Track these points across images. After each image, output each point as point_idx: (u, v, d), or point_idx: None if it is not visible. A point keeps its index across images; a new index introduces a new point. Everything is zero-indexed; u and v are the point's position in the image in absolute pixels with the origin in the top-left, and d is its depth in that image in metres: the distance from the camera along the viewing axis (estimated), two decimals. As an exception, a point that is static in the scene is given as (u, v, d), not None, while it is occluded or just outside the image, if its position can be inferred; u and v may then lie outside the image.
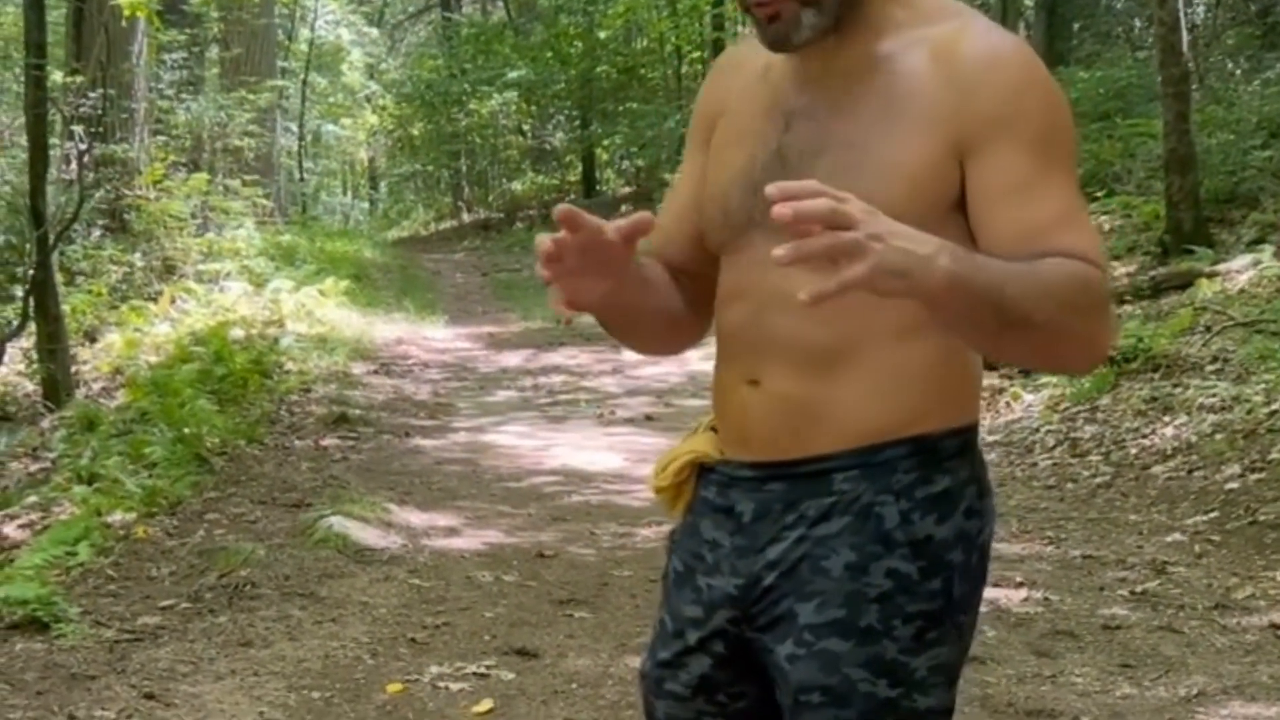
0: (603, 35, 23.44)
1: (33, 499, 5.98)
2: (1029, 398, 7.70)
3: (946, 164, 1.63)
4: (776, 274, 1.59)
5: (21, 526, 5.71)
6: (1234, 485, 5.81)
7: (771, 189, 1.43)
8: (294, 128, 23.45)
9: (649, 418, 8.33)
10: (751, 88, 1.78)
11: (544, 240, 1.62)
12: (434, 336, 11.91)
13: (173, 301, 11.05)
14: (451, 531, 5.79)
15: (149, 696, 3.86)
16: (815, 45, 1.69)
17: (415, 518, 5.95)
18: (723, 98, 1.85)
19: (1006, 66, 1.64)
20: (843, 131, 1.68)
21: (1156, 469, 6.27)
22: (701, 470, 1.83)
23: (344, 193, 31.49)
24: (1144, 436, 6.66)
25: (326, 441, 7.43)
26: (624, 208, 21.79)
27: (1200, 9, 15.12)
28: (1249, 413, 6.40)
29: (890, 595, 1.67)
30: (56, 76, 10.72)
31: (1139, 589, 4.83)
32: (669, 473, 1.85)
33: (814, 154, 1.68)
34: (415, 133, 26.16)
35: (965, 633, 1.73)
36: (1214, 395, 6.74)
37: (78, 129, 10.71)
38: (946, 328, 1.58)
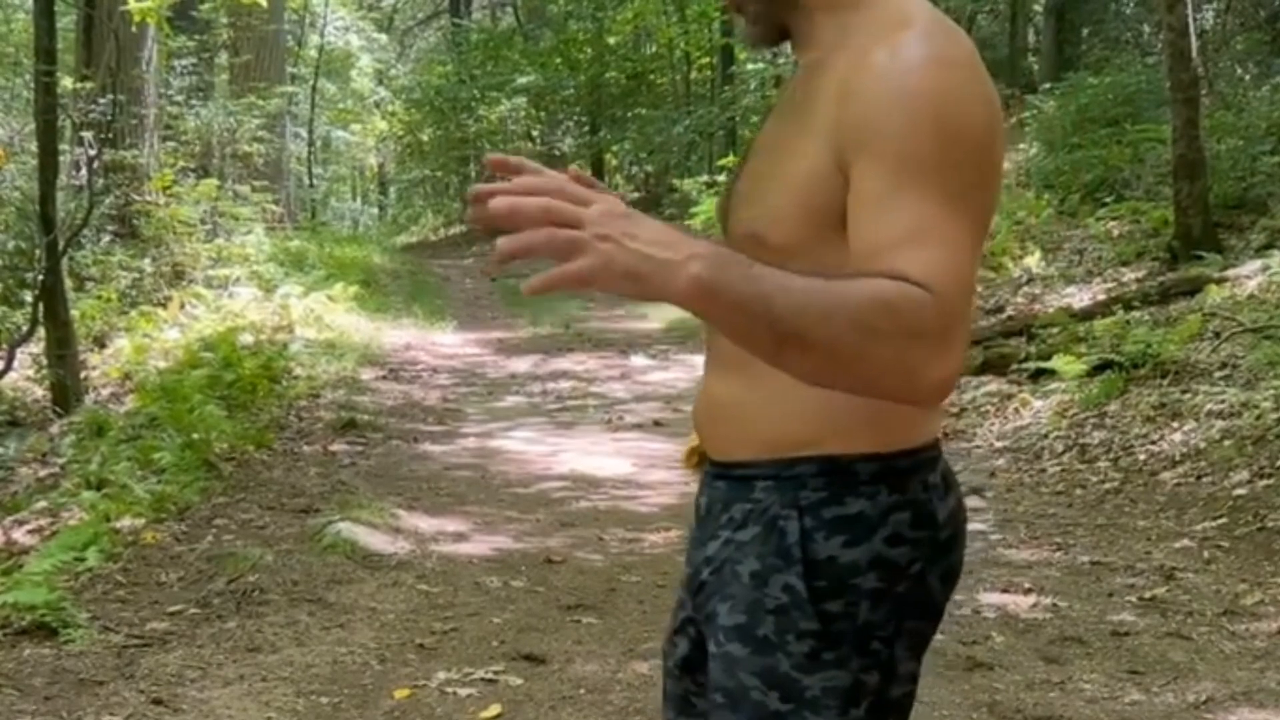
0: (612, 41, 23.48)
1: (42, 504, 5.99)
2: (1038, 404, 7.69)
3: (832, 175, 1.56)
4: None
5: (30, 532, 5.72)
6: (1242, 491, 5.80)
7: (480, 187, 1.44)
8: (303, 133, 23.51)
9: (657, 423, 8.33)
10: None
11: (479, 187, 1.58)
12: (443, 342, 11.92)
13: (182, 307, 11.08)
14: (460, 537, 5.79)
15: (157, 702, 3.87)
16: (798, 50, 1.71)
17: (423, 523, 5.95)
18: None
19: (887, 76, 1.52)
20: (773, 136, 1.71)
21: (1165, 475, 6.26)
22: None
23: (353, 198, 31.55)
24: (1152, 442, 6.65)
25: (335, 447, 7.44)
26: (632, 213, 21.79)
27: (1209, 14, 15.11)
28: (1258, 419, 6.39)
29: (785, 610, 1.65)
30: (66, 82, 10.74)
31: (1147, 595, 4.83)
32: (691, 461, 1.89)
33: (752, 157, 1.73)
34: (424, 138, 26.21)
35: (882, 660, 1.66)
36: (1223, 401, 6.73)
37: (87, 135, 10.73)
38: (725, 336, 1.51)
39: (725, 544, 1.72)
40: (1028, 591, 4.86)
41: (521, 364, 10.76)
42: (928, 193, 1.49)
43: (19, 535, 5.70)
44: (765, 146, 1.71)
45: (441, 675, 4.15)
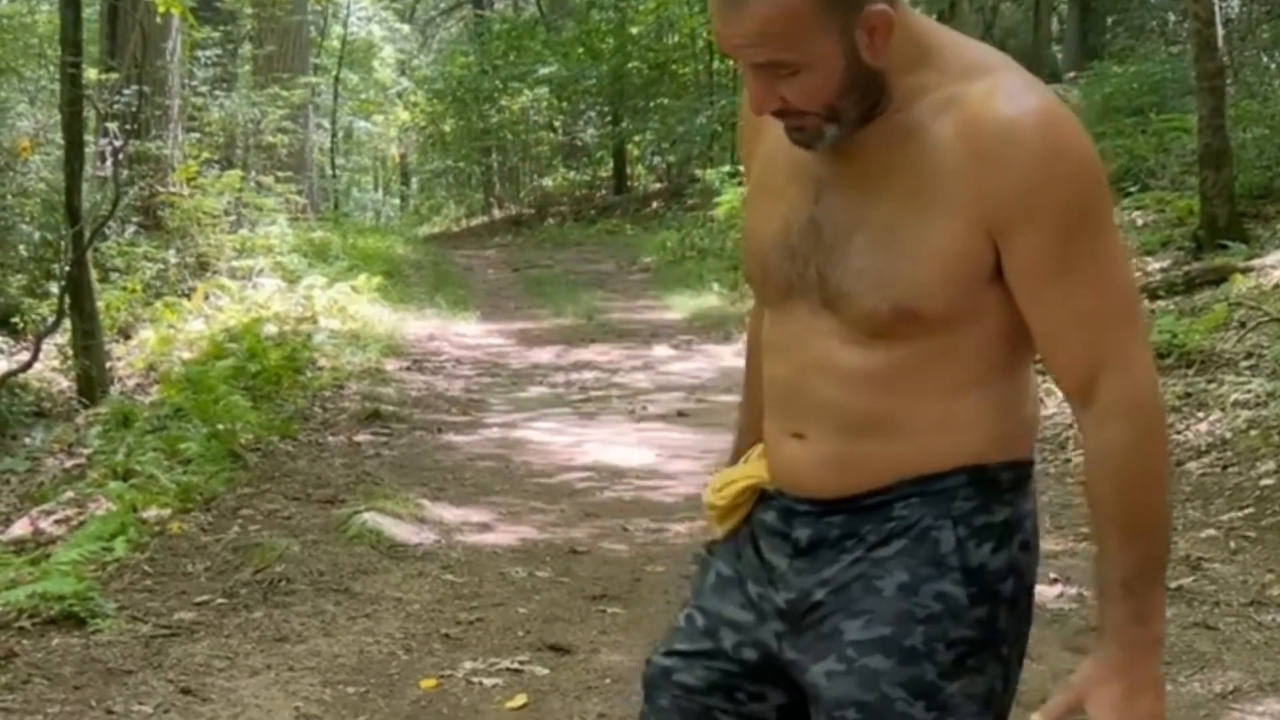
0: (634, 31, 23.44)
1: (69, 495, 6.03)
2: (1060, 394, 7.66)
3: (978, 243, 1.62)
4: (817, 340, 1.70)
5: (58, 522, 5.76)
6: (1269, 481, 5.77)
7: None
8: (326, 124, 23.55)
9: (681, 413, 8.33)
10: (783, 138, 1.73)
11: None
12: (466, 332, 11.94)
13: (206, 298, 11.13)
14: (484, 527, 5.80)
15: (185, 691, 3.89)
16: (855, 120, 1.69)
17: (448, 513, 5.97)
18: (753, 138, 1.85)
19: (1029, 141, 1.59)
20: (875, 210, 1.67)
21: (1191, 465, 6.23)
22: (761, 494, 1.86)
23: (376, 189, 31.60)
24: (1178, 432, 6.62)
25: (360, 437, 7.46)
26: (654, 204, 21.81)
27: (1235, 3, 15.01)
28: (1285, 409, 6.35)
29: (937, 618, 1.68)
30: (91, 74, 10.78)
31: (1173, 585, 4.80)
32: (727, 494, 1.87)
33: (848, 231, 1.68)
34: (447, 129, 26.22)
35: (1009, 666, 1.74)
36: (1248, 391, 6.70)
37: (112, 126, 10.78)
38: None
39: (854, 564, 1.73)
40: (1053, 581, 4.85)
41: (544, 354, 10.76)
42: (1104, 247, 1.63)
43: (46, 525, 5.75)
44: (865, 220, 1.67)
45: (468, 665, 4.16)
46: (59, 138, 9.84)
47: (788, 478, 1.79)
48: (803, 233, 1.72)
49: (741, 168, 2.00)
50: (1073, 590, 4.78)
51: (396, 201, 31.04)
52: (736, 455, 1.97)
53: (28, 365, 8.64)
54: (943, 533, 1.69)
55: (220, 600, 4.69)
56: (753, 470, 1.86)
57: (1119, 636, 1.61)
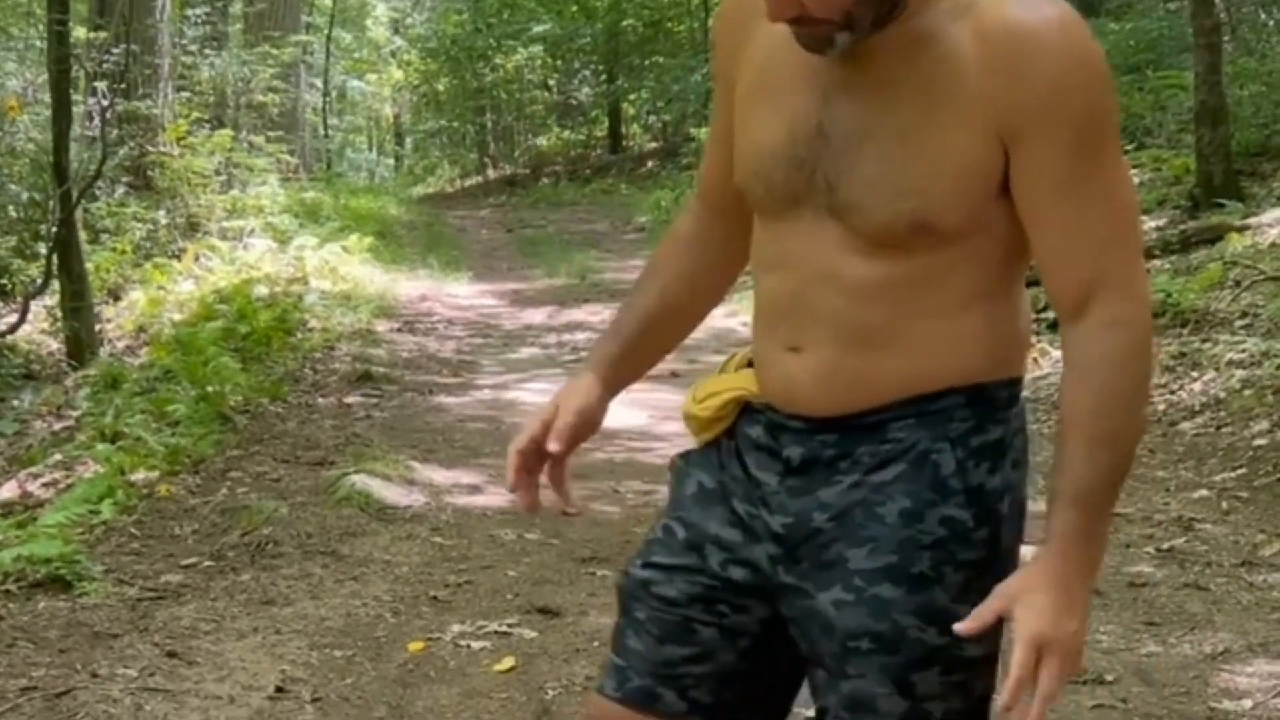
0: (627, -12, 23.26)
1: (57, 457, 6.00)
2: (1056, 354, 7.63)
3: (991, 152, 1.61)
4: (821, 251, 1.67)
5: (45, 485, 5.73)
6: (1262, 441, 5.75)
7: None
8: (318, 83, 23.42)
9: (674, 374, 8.26)
10: (782, 44, 1.69)
11: (510, 478, 1.86)
12: (458, 293, 11.89)
13: (196, 259, 11.07)
14: (474, 489, 5.78)
15: (171, 655, 3.87)
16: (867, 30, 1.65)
17: (438, 475, 5.94)
18: (739, 42, 1.80)
19: (1049, 51, 1.57)
20: (887, 117, 1.64)
21: (1184, 425, 6.21)
22: (746, 407, 1.82)
23: (369, 149, 31.47)
24: (1172, 392, 6.60)
25: (350, 399, 7.43)
26: (650, 163, 21.71)
27: (1233, -42, 14.88)
28: (1278, 368, 6.32)
29: (943, 542, 1.67)
30: (80, 32, 10.70)
31: (1165, 546, 4.79)
32: (710, 406, 1.84)
33: (859, 139, 1.65)
34: (440, 88, 26.08)
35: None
36: (1243, 351, 6.67)
37: (101, 85, 10.69)
38: None
39: (853, 488, 1.70)
40: (1044, 543, 4.83)
41: (537, 315, 10.72)
42: (1112, 161, 1.62)
43: (34, 488, 5.72)
44: (877, 128, 1.64)
45: (456, 628, 4.14)
46: (47, 97, 9.76)
47: (782, 393, 1.75)
48: (809, 140, 1.68)
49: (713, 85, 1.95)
50: (1064, 551, 4.76)
51: (391, 162, 30.91)
52: (598, 364, 1.91)
53: (15, 327, 8.59)
54: (942, 456, 1.68)
55: (207, 563, 4.66)
56: (739, 381, 1.82)
57: (1062, 548, 1.59)
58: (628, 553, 4.86)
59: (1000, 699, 1.56)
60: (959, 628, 1.61)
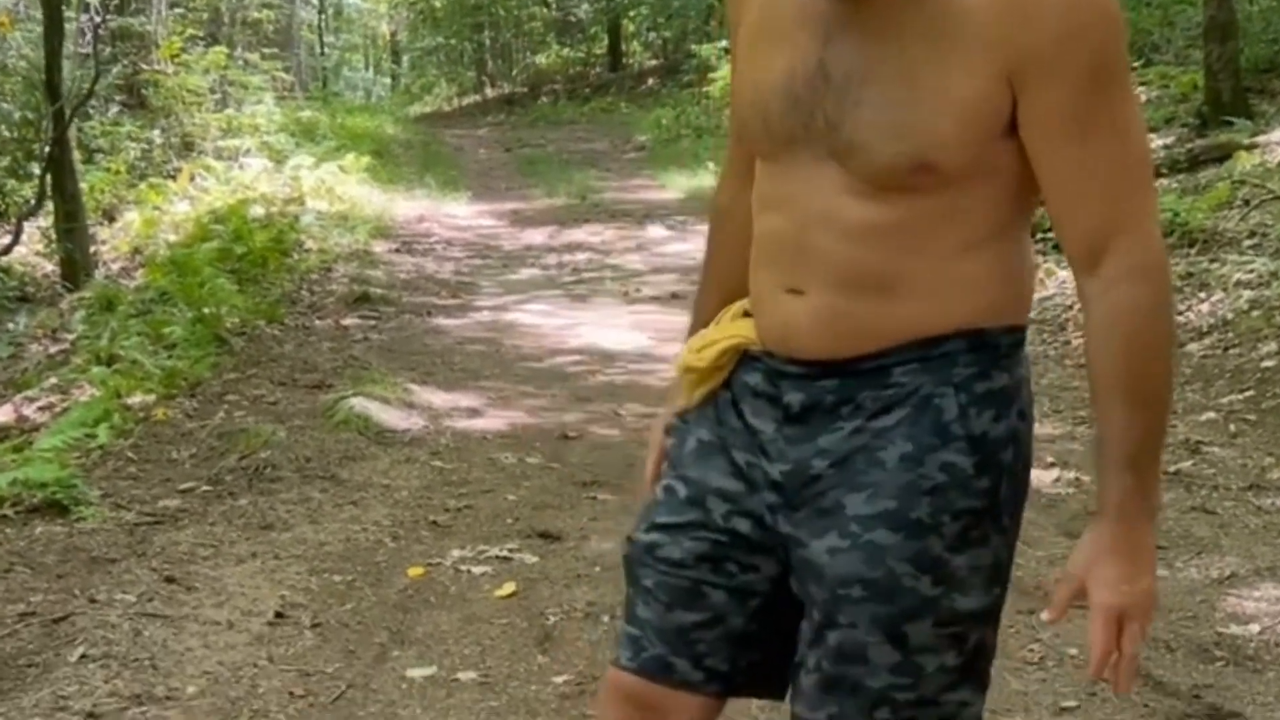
0: (627, -99, 22.90)
1: (52, 381, 5.95)
2: (1062, 274, 7.54)
3: (998, 93, 1.56)
4: (821, 193, 1.62)
5: (41, 409, 5.69)
6: (1270, 363, 5.69)
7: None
8: (314, 0, 23.10)
9: (675, 295, 8.22)
10: None
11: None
12: (456, 214, 11.79)
13: (191, 179, 10.95)
14: (474, 413, 5.73)
15: (170, 580, 3.83)
16: None
17: (437, 398, 5.89)
18: None
19: None
20: (891, 58, 1.59)
21: (1192, 346, 6.15)
22: (743, 356, 1.77)
23: (365, 67, 31.15)
24: (1179, 313, 6.52)
25: (347, 321, 7.36)
26: (650, 81, 21.47)
27: None
28: (1287, 289, 6.25)
29: (943, 489, 1.63)
30: (69, -52, 10.50)
31: (1172, 469, 4.75)
32: (707, 356, 1.78)
33: (860, 79, 1.60)
34: (438, 4, 25.75)
35: (1010, 538, 1.69)
36: (1251, 271, 6.59)
37: (93, 1, 10.52)
38: None
39: (854, 434, 1.66)
40: (1050, 465, 4.79)
41: (536, 236, 10.63)
42: (1122, 100, 1.58)
43: (30, 412, 5.67)
44: (880, 67, 1.59)
45: (456, 553, 4.10)
46: (38, 13, 9.59)
47: (781, 337, 1.70)
48: (810, 79, 1.63)
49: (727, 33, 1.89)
50: (1070, 474, 4.72)
51: (387, 80, 30.62)
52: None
53: (9, 248, 8.51)
54: (945, 400, 1.64)
55: (205, 488, 4.62)
56: (736, 330, 1.77)
57: (1120, 512, 1.57)
58: (629, 476, 4.85)
59: (1089, 671, 1.59)
60: (1046, 617, 1.62)
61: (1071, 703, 3.21)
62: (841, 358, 1.67)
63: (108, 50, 10.82)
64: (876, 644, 1.64)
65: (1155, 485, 1.61)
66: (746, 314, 1.79)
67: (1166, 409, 1.62)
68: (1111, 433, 1.58)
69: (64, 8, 9.36)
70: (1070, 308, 7.06)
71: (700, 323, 1.90)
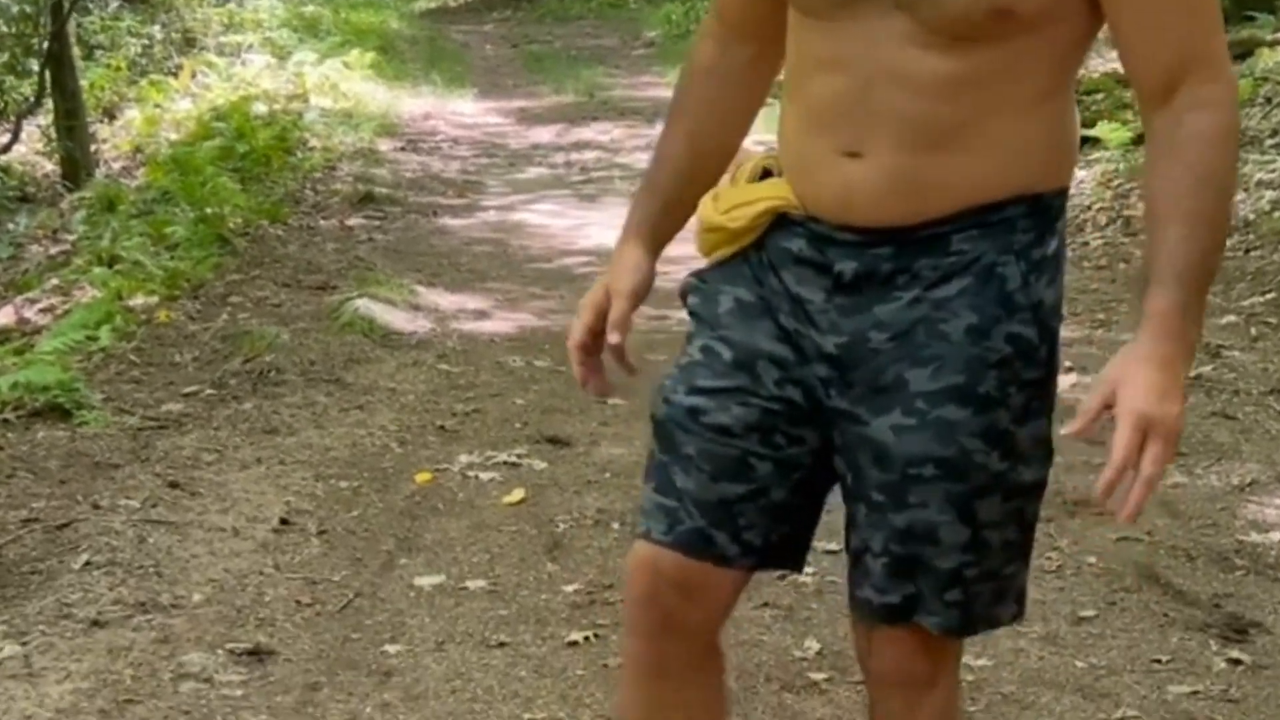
0: None
1: (53, 282, 5.88)
2: (1080, 174, 7.41)
3: None
4: (887, 47, 1.56)
5: (42, 310, 5.62)
6: (1293, 265, 5.59)
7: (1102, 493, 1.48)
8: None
9: (683, 195, 8.10)
10: None
11: (576, 371, 1.82)
12: (462, 111, 11.61)
13: (193, 76, 10.78)
14: (481, 315, 5.66)
15: (173, 485, 3.78)
16: None
17: (444, 300, 5.81)
18: None
19: None
20: None
21: (1211, 248, 6.04)
22: (779, 219, 1.69)
23: (369, -39, 30.61)
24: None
25: (352, 221, 7.26)
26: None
27: None
28: (1311, 189, 6.13)
29: (1009, 361, 1.61)
30: None
31: (1192, 374, 4.65)
32: (742, 216, 1.70)
33: None
34: (441, -103, 25.22)
35: (1053, 406, 1.68)
36: (1273, 171, 6.47)
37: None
38: None
39: (913, 304, 1.62)
40: (1068, 370, 4.70)
41: (544, 134, 10.49)
42: None
43: (31, 314, 5.61)
44: None
45: (463, 459, 4.04)
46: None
47: (838, 202, 1.62)
48: None
49: None
50: (1088, 379, 4.65)
51: (391, -26, 30.09)
52: (639, 226, 1.81)
53: (8, 147, 8.39)
54: (1008, 269, 1.61)
55: (209, 391, 4.55)
56: (774, 190, 1.69)
57: (1164, 328, 1.52)
58: (639, 380, 4.77)
59: (1101, 480, 1.48)
60: (1067, 431, 1.51)
61: (1090, 612, 3.16)
62: (901, 224, 1.60)
63: (106, -58, 10.61)
64: (949, 523, 1.62)
65: (1199, 314, 1.55)
66: (765, 174, 1.72)
67: (1222, 240, 1.61)
68: (1163, 248, 1.53)
69: (60, -102, 9.13)
70: (1089, 209, 6.94)
71: (650, 195, 1.81)
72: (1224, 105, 1.56)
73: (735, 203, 1.71)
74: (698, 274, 1.77)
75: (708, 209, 1.74)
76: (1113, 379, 1.52)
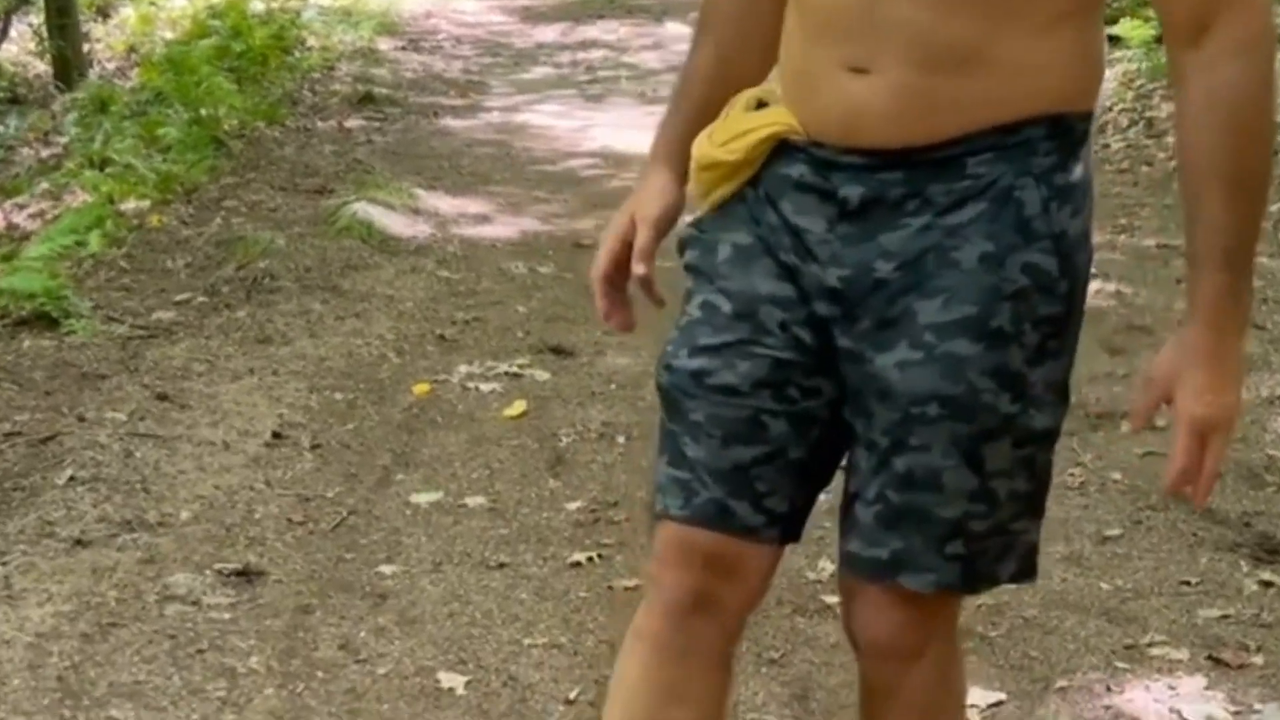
0: None
1: (44, 186, 5.73)
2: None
3: None
4: None
5: (32, 216, 5.47)
6: (1323, 168, 5.41)
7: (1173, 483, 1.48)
8: None
9: (692, 95, 7.92)
10: None
11: (599, 305, 1.72)
12: (464, 9, 11.39)
13: (189, -28, 10.51)
14: (482, 219, 5.51)
15: (162, 397, 3.65)
16: None
17: (444, 204, 5.66)
18: None
19: None
20: None
21: (1237, 150, 5.86)
22: (779, 146, 1.55)
23: None
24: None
25: (351, 123, 7.09)
26: None
27: None
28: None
29: (1025, 294, 1.48)
30: None
31: (1218, 281, 4.52)
32: (740, 146, 1.55)
33: None
34: None
35: (1073, 349, 1.56)
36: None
37: None
38: None
39: (923, 232, 1.48)
40: (1091, 277, 4.56)
41: (549, 32, 10.29)
42: None
43: (20, 219, 5.47)
44: None
45: (463, 369, 3.91)
46: None
47: (843, 122, 1.49)
48: None
49: None
50: (1111, 287, 4.51)
51: None
52: (666, 149, 1.68)
53: (-2, 45, 8.17)
54: (1026, 193, 1.48)
55: (201, 299, 4.42)
56: (773, 117, 1.55)
57: (1212, 316, 1.45)
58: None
59: (1167, 482, 1.49)
60: (1129, 428, 1.47)
61: (1115, 531, 3.04)
62: (911, 145, 1.47)
63: None
64: (953, 468, 1.50)
65: (1248, 288, 1.47)
66: (760, 105, 1.58)
67: (1265, 202, 1.49)
68: (1206, 225, 1.44)
69: None
70: (1110, 110, 6.75)
71: (677, 116, 1.68)
72: (1261, 48, 1.43)
73: (732, 134, 1.57)
74: (695, 223, 1.63)
75: (703, 146, 1.59)
76: (1165, 377, 1.47)
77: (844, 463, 1.61)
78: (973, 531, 1.52)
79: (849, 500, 1.57)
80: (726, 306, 1.55)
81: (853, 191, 1.49)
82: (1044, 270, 1.48)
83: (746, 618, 1.67)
